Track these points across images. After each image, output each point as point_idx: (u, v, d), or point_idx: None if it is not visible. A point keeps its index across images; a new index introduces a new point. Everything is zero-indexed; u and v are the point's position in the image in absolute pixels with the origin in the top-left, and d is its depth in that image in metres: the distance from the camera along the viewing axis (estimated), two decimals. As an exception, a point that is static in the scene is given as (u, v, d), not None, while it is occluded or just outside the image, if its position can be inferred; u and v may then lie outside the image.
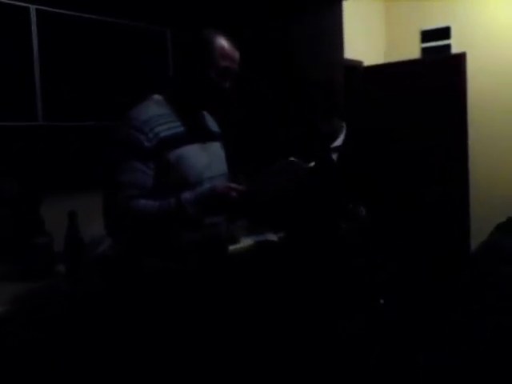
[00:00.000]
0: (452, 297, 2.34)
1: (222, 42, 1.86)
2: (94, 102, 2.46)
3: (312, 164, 1.85)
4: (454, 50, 5.23)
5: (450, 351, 1.98)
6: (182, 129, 1.85)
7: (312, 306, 2.54)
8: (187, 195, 1.73)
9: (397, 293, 3.12)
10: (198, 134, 1.92)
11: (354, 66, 5.13)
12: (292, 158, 1.79)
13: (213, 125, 2.11)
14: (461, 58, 4.99)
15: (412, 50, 5.51)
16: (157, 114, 1.80)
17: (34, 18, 2.23)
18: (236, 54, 1.89)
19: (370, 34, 5.52)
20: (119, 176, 1.73)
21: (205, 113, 2.06)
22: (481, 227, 3.96)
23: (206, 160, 1.91)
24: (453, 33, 5.28)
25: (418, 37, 5.51)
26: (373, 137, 2.96)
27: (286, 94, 3.19)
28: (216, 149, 2.04)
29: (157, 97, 1.90)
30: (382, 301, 2.50)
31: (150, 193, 1.75)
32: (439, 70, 5.05)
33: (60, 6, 2.32)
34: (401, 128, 5.19)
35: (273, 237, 2.75)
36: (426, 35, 5.45)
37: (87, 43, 2.43)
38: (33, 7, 2.22)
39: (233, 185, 1.75)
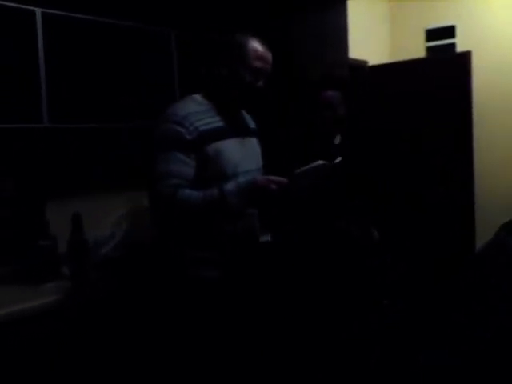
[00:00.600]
0: (455, 297, 2.34)
1: (255, 45, 1.98)
2: (99, 105, 2.46)
3: (338, 160, 1.95)
4: (459, 48, 5.20)
5: (450, 351, 1.97)
6: (220, 124, 1.97)
7: (323, 306, 2.55)
8: (229, 186, 1.84)
9: (405, 293, 3.13)
10: (235, 130, 2.04)
11: (359, 66, 5.12)
12: (322, 161, 1.86)
13: (250, 121, 2.23)
14: (466, 56, 4.97)
15: (417, 49, 5.48)
16: (195, 110, 1.93)
17: (39, 21, 2.23)
18: (269, 56, 2.01)
19: (375, 33, 5.50)
20: (164, 166, 1.84)
21: (242, 111, 2.18)
22: (486, 227, 3.94)
23: (243, 154, 2.02)
24: (458, 31, 5.25)
25: (422, 36, 5.49)
26: (375, 136, 2.93)
27: (287, 94, 3.18)
28: (252, 144, 2.16)
29: (195, 95, 2.03)
30: (386, 301, 2.50)
31: (192, 183, 1.86)
32: (444, 68, 5.02)
33: (65, 9, 2.32)
34: (406, 127, 5.18)
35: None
36: (431, 34, 5.43)
37: (92, 45, 2.43)
38: (38, 10, 2.22)
39: (273, 177, 1.83)
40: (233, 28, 2.91)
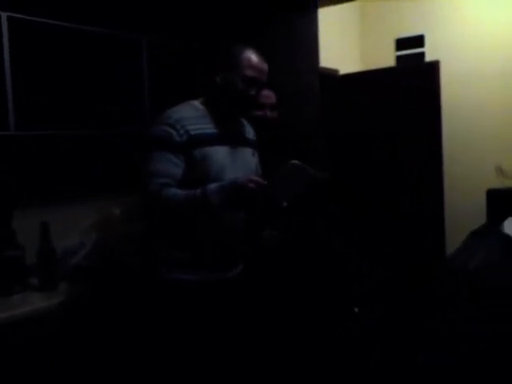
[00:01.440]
0: (427, 305, 2.36)
1: (250, 54, 2.02)
2: (67, 112, 2.43)
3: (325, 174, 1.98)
4: (428, 57, 5.30)
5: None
6: (213, 130, 2.01)
7: (300, 310, 2.55)
8: (212, 186, 1.86)
9: (382, 300, 3.14)
10: (227, 138, 2.05)
11: (331, 74, 5.16)
12: (295, 161, 1.85)
13: (249, 131, 2.24)
14: (434, 65, 5.07)
15: (387, 58, 5.56)
16: (189, 115, 1.98)
17: (5, 26, 2.19)
18: (264, 66, 2.05)
19: (346, 42, 5.56)
20: (153, 165, 1.90)
21: (242, 120, 2.21)
22: (456, 234, 4.00)
23: (232, 162, 2.04)
24: (426, 41, 5.36)
25: (392, 45, 5.57)
26: (347, 144, 2.95)
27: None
28: (245, 154, 2.16)
29: (193, 101, 2.08)
30: (356, 309, 2.51)
31: (179, 184, 1.90)
32: (414, 77, 5.11)
33: (32, 13, 2.28)
34: (377, 135, 5.25)
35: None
36: (401, 43, 5.52)
37: (60, 51, 2.40)
38: (4, 14, 2.18)
39: (253, 177, 1.85)
40: (203, 35, 2.91)
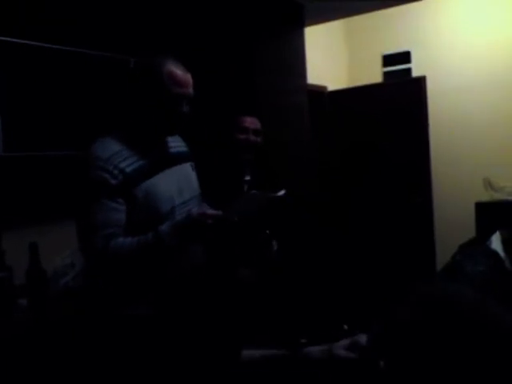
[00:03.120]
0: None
1: (172, 68, 1.82)
2: (56, 133, 2.44)
3: (282, 193, 1.90)
4: (415, 73, 5.37)
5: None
6: (146, 160, 1.84)
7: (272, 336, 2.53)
8: (164, 227, 1.74)
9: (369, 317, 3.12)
10: (163, 162, 1.91)
11: (319, 91, 5.22)
12: (255, 191, 1.89)
13: (181, 145, 2.08)
14: (421, 81, 5.15)
15: (374, 74, 5.63)
16: (117, 149, 1.79)
17: (-7, 49, 2.21)
18: (187, 78, 1.86)
19: (333, 59, 5.63)
20: (92, 217, 1.74)
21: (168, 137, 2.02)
22: (446, 247, 4.01)
23: (176, 186, 1.91)
24: (413, 57, 5.43)
25: (379, 61, 5.64)
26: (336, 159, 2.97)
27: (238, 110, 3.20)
28: (185, 171, 2.03)
29: (116, 133, 1.88)
30: (345, 326, 2.51)
31: (125, 229, 1.76)
32: (401, 92, 5.19)
33: (19, 36, 2.30)
34: (366, 150, 5.29)
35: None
36: (388, 60, 5.59)
37: (49, 73, 2.41)
38: (-9, 38, 2.21)
39: (208, 211, 1.76)
40: (191, 54, 2.94)
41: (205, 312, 2.02)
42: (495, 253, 2.46)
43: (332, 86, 5.47)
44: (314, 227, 3.44)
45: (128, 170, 1.77)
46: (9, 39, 2.27)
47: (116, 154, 1.77)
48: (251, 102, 3.32)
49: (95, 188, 1.75)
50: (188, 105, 1.89)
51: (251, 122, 2.62)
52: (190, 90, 1.87)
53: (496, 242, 2.49)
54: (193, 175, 2.08)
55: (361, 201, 5.29)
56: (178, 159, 2.01)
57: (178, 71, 1.83)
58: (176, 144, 2.05)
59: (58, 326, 2.13)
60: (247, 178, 2.61)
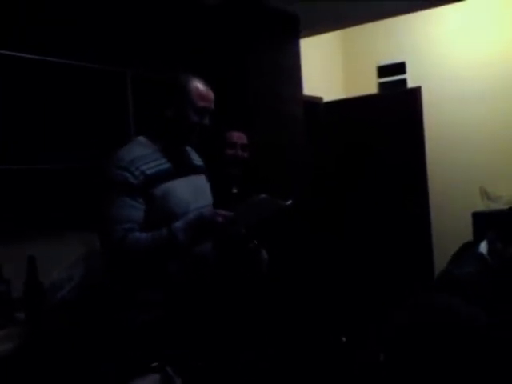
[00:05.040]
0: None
1: (197, 84, 2.02)
2: (53, 145, 2.43)
3: (289, 202, 1.97)
4: (410, 83, 5.40)
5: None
6: (167, 165, 1.99)
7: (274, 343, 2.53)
8: (177, 224, 1.85)
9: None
10: (182, 169, 2.05)
11: (314, 102, 5.23)
12: (264, 195, 1.89)
13: (196, 159, 2.23)
14: (416, 91, 5.16)
15: (369, 85, 5.66)
16: (141, 154, 1.94)
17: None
18: (210, 94, 2.06)
19: (329, 70, 5.65)
20: (113, 211, 1.85)
21: (188, 148, 2.19)
22: (444, 257, 4.01)
23: (192, 193, 2.03)
24: (408, 68, 5.46)
25: (374, 72, 5.67)
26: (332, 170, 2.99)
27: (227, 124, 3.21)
28: (201, 181, 2.17)
29: (141, 138, 2.05)
30: (344, 338, 2.51)
31: (142, 228, 1.86)
32: (396, 103, 5.21)
33: (16, 49, 2.31)
34: (361, 161, 5.31)
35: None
36: (383, 70, 5.63)
37: (44, 85, 2.42)
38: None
39: (220, 211, 1.87)
40: (189, 67, 2.95)
41: (210, 310, 2.09)
42: (481, 255, 2.53)
43: (327, 97, 5.49)
44: (306, 234, 3.44)
45: (149, 172, 1.91)
46: (5, 52, 2.26)
47: (138, 158, 1.92)
48: (246, 111, 3.33)
49: (116, 185, 1.88)
50: (209, 118, 2.06)
51: (239, 137, 2.69)
52: (212, 105, 2.07)
53: (483, 246, 2.55)
54: (207, 186, 2.22)
55: (357, 209, 5.30)
56: (196, 170, 2.17)
57: (203, 87, 2.03)
58: (194, 157, 2.22)
59: (54, 338, 2.12)
60: (234, 190, 2.66)
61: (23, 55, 2.32)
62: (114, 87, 2.70)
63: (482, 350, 1.87)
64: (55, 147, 2.45)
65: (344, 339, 2.54)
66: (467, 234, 4.47)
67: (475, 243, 2.65)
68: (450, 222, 5.07)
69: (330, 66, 5.67)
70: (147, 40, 2.90)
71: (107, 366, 1.99)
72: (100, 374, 2.08)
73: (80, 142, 2.53)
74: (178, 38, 3.09)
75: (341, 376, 2.56)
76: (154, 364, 1.75)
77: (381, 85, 5.64)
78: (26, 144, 2.34)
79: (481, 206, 4.79)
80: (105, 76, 2.65)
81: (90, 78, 2.59)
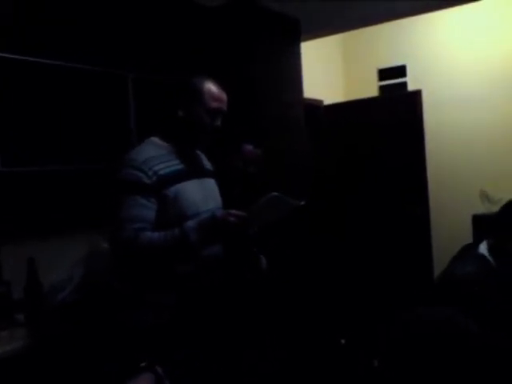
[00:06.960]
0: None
1: (211, 86, 2.04)
2: (54, 148, 2.44)
3: (303, 202, 1.96)
4: (410, 87, 5.41)
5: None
6: (179, 166, 2.00)
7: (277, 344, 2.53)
8: (190, 223, 1.85)
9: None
10: (194, 171, 2.08)
11: (315, 105, 5.24)
12: (276, 193, 1.87)
13: (206, 163, 2.26)
14: (416, 94, 5.17)
15: (370, 88, 5.67)
16: (154, 154, 1.95)
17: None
18: (224, 96, 2.07)
19: (329, 73, 5.66)
20: (126, 210, 1.85)
21: (198, 152, 2.21)
22: (443, 260, 4.02)
23: (202, 195, 2.05)
24: (408, 71, 5.47)
25: (375, 75, 5.68)
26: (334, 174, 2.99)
27: (244, 135, 3.22)
28: (211, 185, 2.19)
29: (154, 139, 2.06)
30: (343, 341, 2.51)
31: (154, 226, 1.88)
32: (397, 106, 5.21)
33: (18, 52, 2.31)
34: (362, 164, 5.31)
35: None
36: (383, 74, 5.63)
37: (46, 88, 2.42)
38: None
39: (232, 211, 1.86)
40: (190, 70, 2.96)
41: (219, 312, 2.09)
42: (482, 255, 2.53)
43: (328, 100, 5.50)
44: (308, 236, 3.44)
45: (162, 172, 1.92)
46: (6, 55, 2.27)
47: (152, 158, 1.93)
48: (246, 115, 3.34)
49: (129, 185, 1.88)
50: (221, 119, 2.08)
51: (252, 154, 2.70)
52: (225, 107, 2.08)
53: (483, 247, 2.56)
54: (217, 189, 2.23)
55: (358, 212, 5.31)
56: (207, 173, 2.20)
57: (216, 88, 2.05)
58: (205, 161, 2.25)
59: (55, 339, 2.13)
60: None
61: (26, 58, 2.33)
62: (116, 90, 2.71)
63: (475, 362, 1.87)
64: (56, 149, 2.45)
65: (343, 341, 2.54)
66: (467, 237, 4.47)
67: (475, 245, 2.66)
68: (450, 224, 5.07)
69: (330, 69, 5.68)
70: (148, 43, 2.90)
71: (110, 367, 1.99)
72: (103, 374, 2.08)
73: (81, 145, 2.54)
74: (179, 42, 3.09)
75: (341, 377, 2.56)
76: (143, 364, 1.74)
77: (381, 88, 5.65)
78: (27, 146, 2.35)
79: (481, 208, 4.78)
80: (106, 78, 2.65)
81: (92, 80, 2.59)
